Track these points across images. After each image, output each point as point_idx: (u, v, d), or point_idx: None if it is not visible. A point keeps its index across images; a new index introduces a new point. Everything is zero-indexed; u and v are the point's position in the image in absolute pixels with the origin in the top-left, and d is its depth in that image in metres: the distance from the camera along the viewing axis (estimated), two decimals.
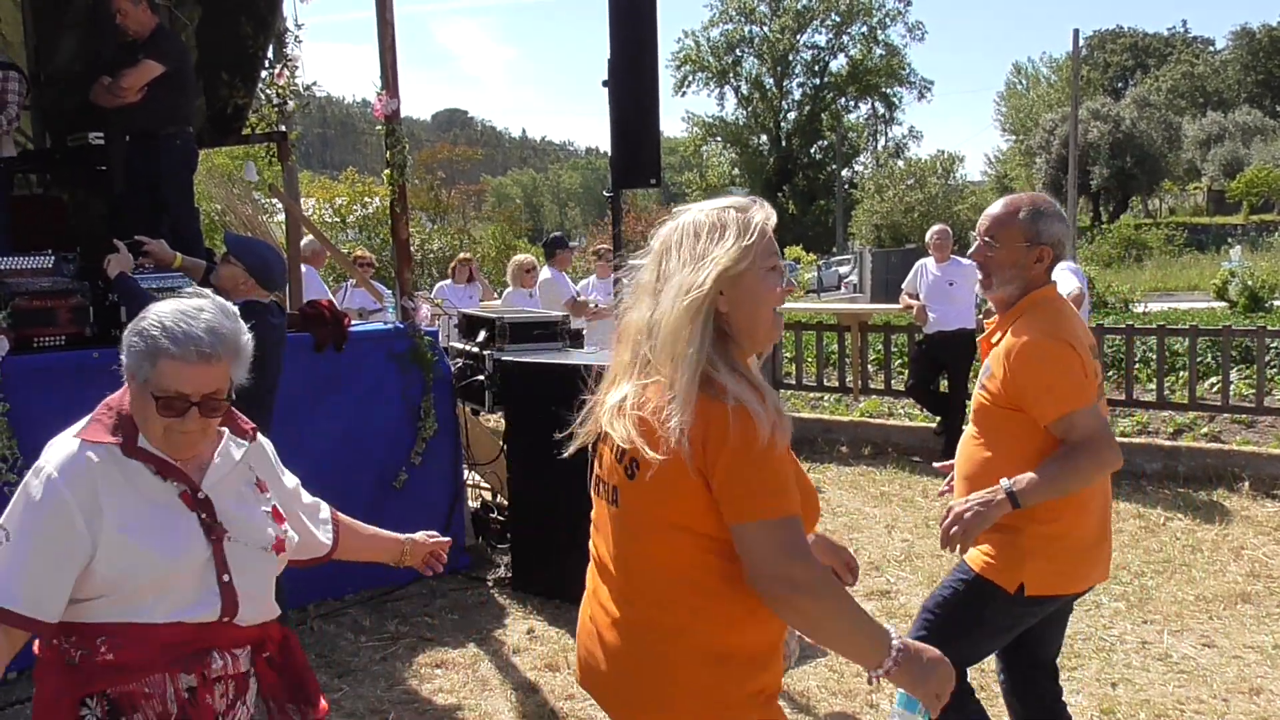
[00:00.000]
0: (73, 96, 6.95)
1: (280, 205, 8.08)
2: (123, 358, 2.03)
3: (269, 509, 2.23)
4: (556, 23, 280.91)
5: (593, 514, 2.20)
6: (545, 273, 9.26)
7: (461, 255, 11.28)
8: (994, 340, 2.91)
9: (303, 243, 7.97)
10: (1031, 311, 2.83)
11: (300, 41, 6.80)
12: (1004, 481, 2.69)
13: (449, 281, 10.32)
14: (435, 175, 29.51)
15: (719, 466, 1.84)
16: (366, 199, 22.59)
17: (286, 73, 6.82)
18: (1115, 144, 48.71)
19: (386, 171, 6.27)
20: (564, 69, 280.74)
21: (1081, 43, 41.70)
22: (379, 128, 6.16)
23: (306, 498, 2.51)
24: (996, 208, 2.92)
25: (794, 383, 10.03)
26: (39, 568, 1.95)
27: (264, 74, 7.06)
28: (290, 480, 2.44)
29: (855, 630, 1.88)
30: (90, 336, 4.78)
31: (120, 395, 2.09)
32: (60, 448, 2.02)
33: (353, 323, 5.95)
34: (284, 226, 7.47)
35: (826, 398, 10.28)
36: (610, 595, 2.07)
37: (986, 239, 2.86)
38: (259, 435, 2.29)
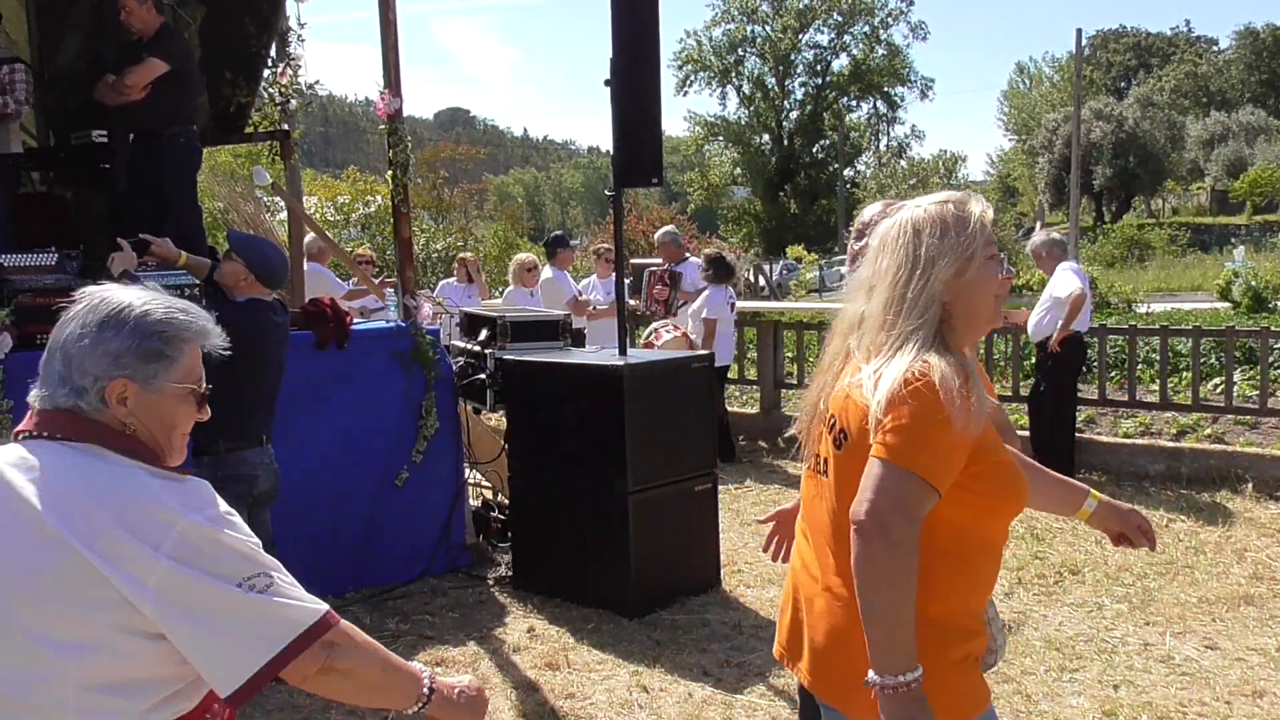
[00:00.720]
0: (76, 95, 6.96)
1: (283, 203, 8.08)
2: (119, 360, 1.72)
3: None
4: (558, 22, 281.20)
5: (802, 491, 2.28)
6: (547, 272, 9.26)
7: (462, 254, 11.28)
8: None
9: (306, 240, 7.98)
10: None
11: (303, 41, 6.82)
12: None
13: (452, 280, 10.32)
14: (438, 174, 29.49)
15: (889, 420, 1.91)
16: (369, 198, 22.59)
17: (289, 71, 6.83)
18: (1118, 144, 48.69)
19: (389, 170, 6.28)
20: (566, 68, 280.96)
21: (1084, 42, 41.72)
22: (381, 127, 6.16)
23: None
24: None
25: (795, 382, 10.02)
26: None
27: (267, 73, 7.08)
28: None
29: (879, 617, 1.90)
30: None
31: (58, 419, 1.74)
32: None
33: (354, 320, 5.96)
34: (286, 225, 7.47)
35: None
36: (819, 565, 2.14)
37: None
38: None
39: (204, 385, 1.81)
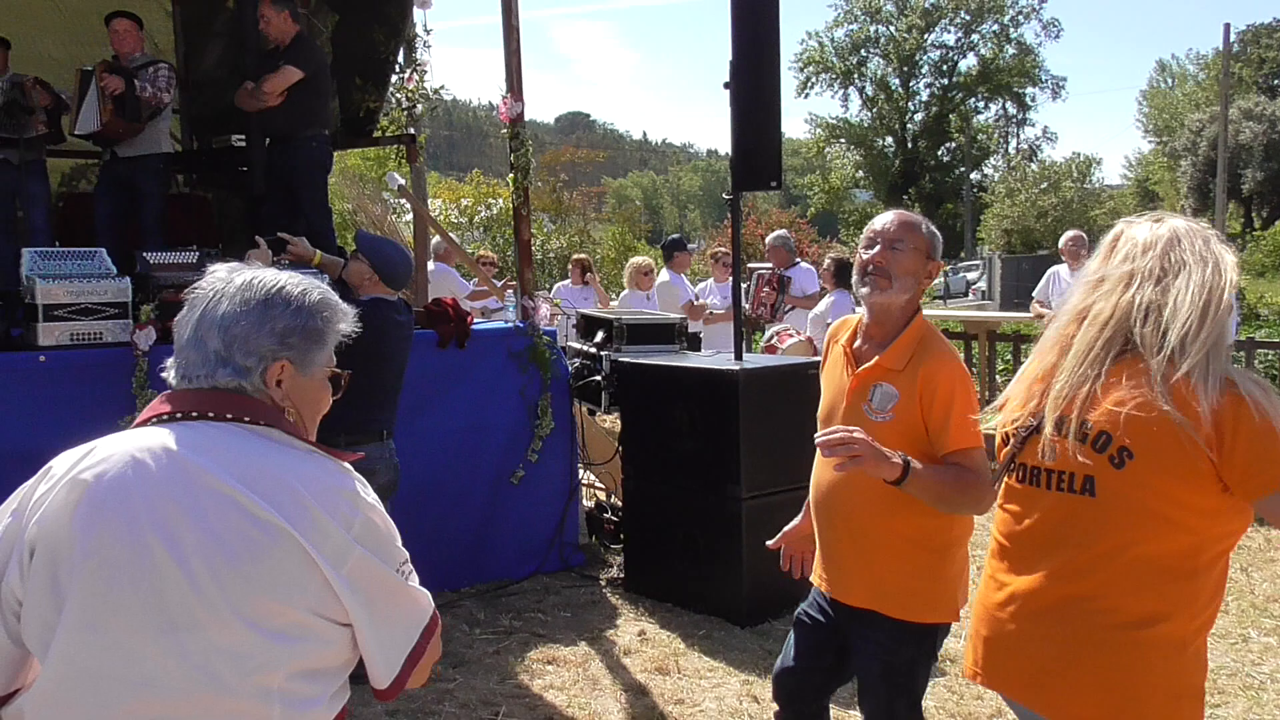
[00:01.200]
0: (217, 101, 7.27)
1: (408, 205, 8.28)
2: (285, 340, 1.68)
3: None
4: (678, 25, 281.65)
5: (1003, 502, 2.27)
6: (663, 275, 9.27)
7: (576, 255, 11.35)
8: (894, 367, 2.72)
9: (433, 242, 8.17)
10: (933, 336, 2.77)
11: (429, 47, 6.98)
12: (900, 455, 2.50)
13: (567, 282, 10.42)
14: (558, 177, 29.86)
15: (1239, 448, 1.92)
16: (491, 200, 23.02)
17: (416, 77, 6.99)
18: (1270, 145, 46.33)
19: (510, 174, 6.37)
20: (685, 71, 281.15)
21: (1233, 38, 39.86)
22: (504, 131, 6.26)
23: None
24: (892, 215, 2.81)
25: None
26: None
27: (395, 78, 7.26)
28: None
29: None
30: None
31: (210, 400, 1.68)
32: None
33: (475, 320, 6.07)
34: (411, 226, 7.65)
35: None
36: (1050, 582, 2.11)
37: (894, 242, 2.73)
38: None
39: (341, 370, 1.79)
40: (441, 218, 20.80)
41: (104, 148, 6.51)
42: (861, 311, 2.90)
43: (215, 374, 1.65)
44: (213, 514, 1.54)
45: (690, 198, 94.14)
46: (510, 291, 7.38)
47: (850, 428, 2.46)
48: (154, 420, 1.65)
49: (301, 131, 6.19)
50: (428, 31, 6.95)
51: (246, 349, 1.65)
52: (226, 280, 1.70)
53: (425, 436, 5.44)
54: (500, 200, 21.69)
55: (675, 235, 12.24)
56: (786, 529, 3.09)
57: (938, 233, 2.84)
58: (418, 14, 6.94)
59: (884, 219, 2.80)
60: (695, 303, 8.99)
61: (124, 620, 1.51)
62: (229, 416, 1.63)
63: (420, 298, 6.44)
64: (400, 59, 7.20)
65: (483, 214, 22.87)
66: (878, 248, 2.74)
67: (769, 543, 3.13)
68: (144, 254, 5.08)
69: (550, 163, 32.33)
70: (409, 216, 13.77)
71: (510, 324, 6.24)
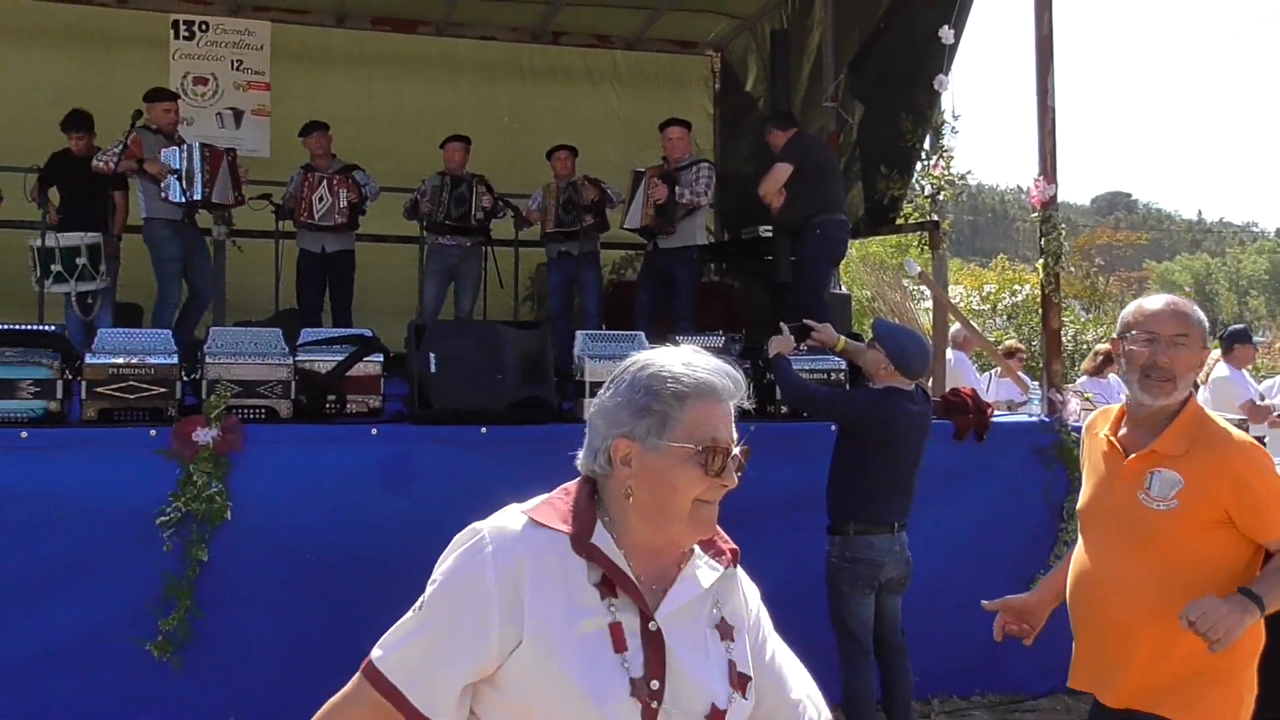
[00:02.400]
0: (746, 194, 7.71)
1: (928, 292, 8.15)
2: (617, 418, 1.64)
3: (727, 662, 1.69)
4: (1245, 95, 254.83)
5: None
6: (1221, 369, 8.22)
7: (1099, 346, 10.46)
8: (1172, 453, 2.57)
9: (952, 330, 7.97)
10: (1209, 419, 2.63)
11: (956, 132, 6.86)
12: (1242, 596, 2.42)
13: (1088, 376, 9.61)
14: (1092, 261, 28.11)
15: None
16: (1016, 286, 22.13)
17: (942, 163, 6.90)
18: None
19: (1040, 259, 6.03)
20: (1244, 142, 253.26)
21: None
22: (1034, 215, 5.95)
23: (786, 667, 1.81)
24: (1166, 304, 2.65)
25: None
26: (438, 657, 1.61)
27: (919, 165, 7.22)
28: (770, 635, 1.81)
29: None
30: (748, 410, 5.16)
31: (580, 482, 1.71)
32: (502, 520, 1.67)
33: (996, 413, 5.76)
34: (930, 313, 7.52)
35: None
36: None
37: (1175, 339, 2.59)
38: (738, 563, 1.78)
39: (723, 448, 1.64)
40: (962, 305, 20.37)
41: (647, 239, 7.15)
42: (1122, 400, 2.82)
43: (584, 456, 1.71)
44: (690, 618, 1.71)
45: (1253, 283, 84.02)
46: (1035, 383, 6.96)
47: (1201, 607, 2.37)
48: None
49: (805, 219, 6.52)
50: (955, 117, 6.86)
51: (595, 429, 1.68)
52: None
53: (938, 531, 5.21)
54: (1027, 287, 20.78)
55: (1237, 325, 10.87)
56: (1009, 598, 2.97)
57: (1204, 316, 2.70)
58: (945, 99, 6.88)
59: (1156, 310, 2.65)
60: (1259, 403, 7.88)
61: None
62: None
63: (938, 387, 6.27)
64: (926, 145, 7.17)
65: (1007, 301, 22.06)
66: (1156, 345, 2.59)
67: (985, 603, 3.00)
68: (676, 338, 5.43)
69: (1084, 246, 30.55)
70: (928, 303, 13.61)
71: (1035, 418, 5.85)
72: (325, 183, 7.24)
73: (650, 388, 1.64)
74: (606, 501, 1.68)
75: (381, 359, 4.86)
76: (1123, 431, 2.72)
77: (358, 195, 7.31)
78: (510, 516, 1.67)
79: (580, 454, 1.71)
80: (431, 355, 4.72)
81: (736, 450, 1.68)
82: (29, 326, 4.65)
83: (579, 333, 5.28)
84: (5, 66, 8.77)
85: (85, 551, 4.14)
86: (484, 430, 4.64)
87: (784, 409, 5.19)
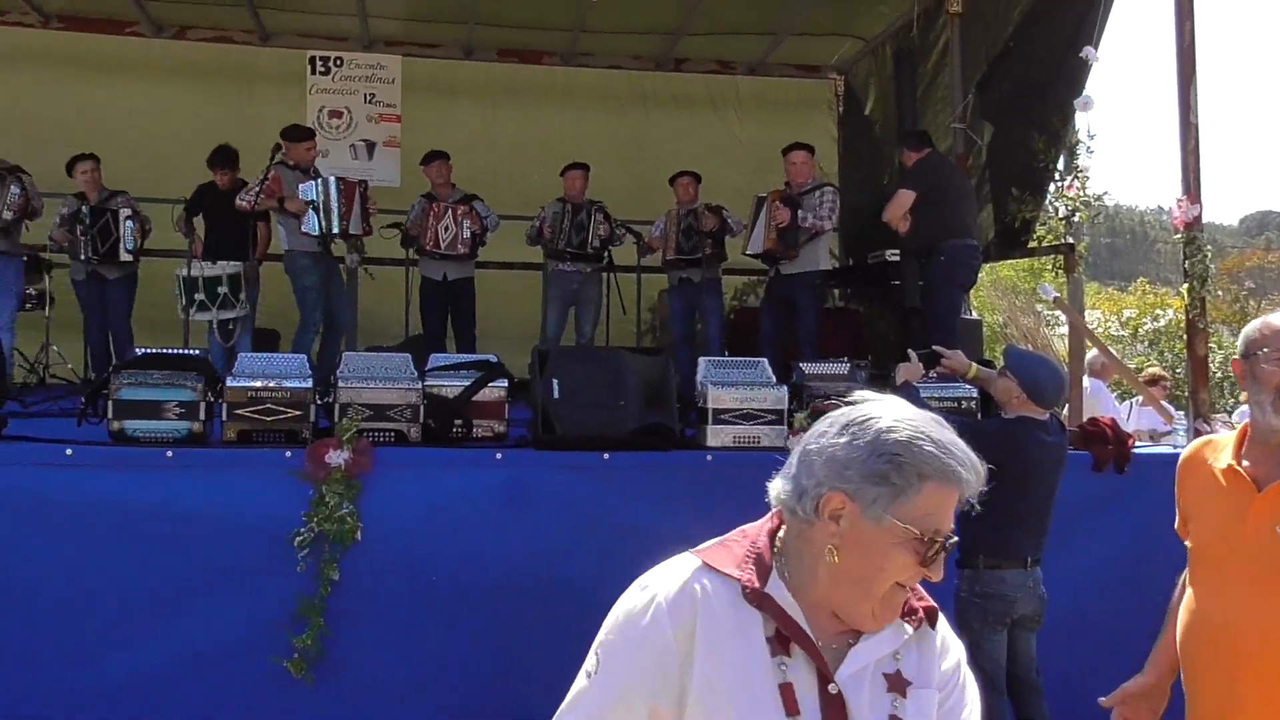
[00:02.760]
0: (870, 218, 7.60)
1: (1063, 318, 7.89)
2: (844, 471, 1.52)
3: (888, 718, 1.55)
4: None
5: None
6: None
7: (1149, 370, 9.96)
8: None
9: (1089, 356, 7.69)
10: None
11: (1091, 152, 6.64)
12: None
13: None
14: (1241, 285, 26.84)
15: None
16: (1159, 311, 21.28)
17: (1077, 184, 6.68)
18: None
19: (1184, 282, 5.77)
20: None
21: None
22: (1176, 236, 5.70)
23: None
24: None
25: None
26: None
27: (1052, 186, 7.01)
28: (969, 702, 1.64)
29: None
30: None
31: (760, 526, 1.64)
32: (672, 569, 1.59)
33: (1138, 444, 5.52)
34: (1066, 339, 7.27)
35: None
36: None
37: None
38: (934, 624, 1.62)
39: (944, 540, 1.51)
40: (1100, 330, 19.68)
41: (770, 265, 7.10)
42: (1235, 427, 2.62)
43: (783, 489, 1.59)
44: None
45: None
46: (1180, 413, 6.65)
47: None
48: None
49: (930, 245, 6.40)
50: (1090, 136, 6.63)
51: (808, 469, 1.54)
52: (847, 405, 1.62)
53: (1075, 567, 4.99)
54: (1170, 311, 19.97)
55: None
56: (1126, 686, 2.69)
57: None
58: (1080, 118, 6.66)
59: None
60: None
61: None
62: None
63: (1075, 416, 6.04)
64: (1060, 165, 6.95)
65: (1148, 326, 21.22)
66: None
67: (1102, 700, 2.71)
68: (800, 365, 5.36)
69: (1233, 269, 29.19)
70: (1063, 329, 13.18)
71: (1180, 449, 5.58)
72: (450, 213, 7.40)
73: (895, 457, 1.49)
74: (791, 549, 1.57)
75: (506, 384, 4.91)
76: (1246, 462, 2.46)
77: (480, 226, 7.46)
78: (681, 564, 1.58)
79: (777, 484, 1.60)
80: (555, 381, 4.75)
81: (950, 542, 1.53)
82: (175, 351, 4.84)
83: (701, 359, 5.26)
84: (156, 104, 9.28)
85: (224, 568, 4.27)
86: (606, 456, 4.65)
87: None
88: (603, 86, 10.12)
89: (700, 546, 1.61)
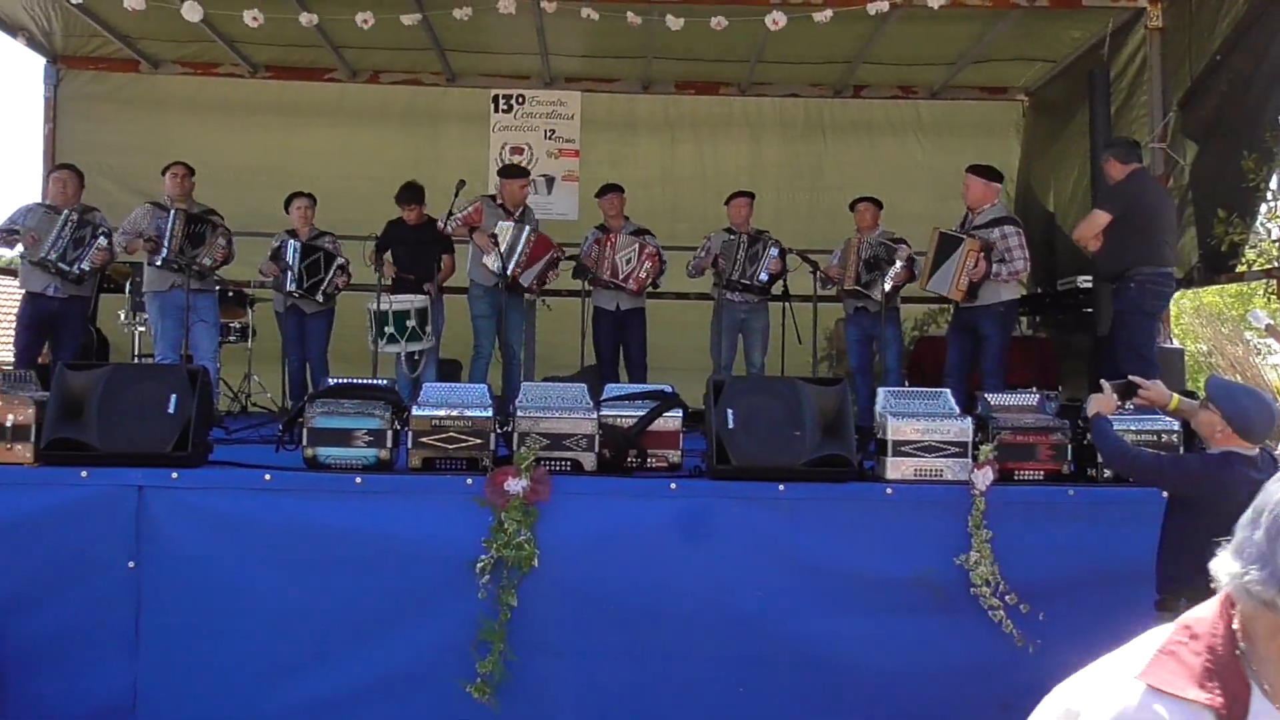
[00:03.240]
0: (1056, 244, 7.27)
1: (1276, 345, 7.35)
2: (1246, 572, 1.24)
3: None
4: None
5: None
6: None
7: None
8: None
9: None
10: None
11: None
12: None
13: None
14: None
15: None
16: None
17: None
18: None
19: None
20: None
21: None
22: None
23: None
24: None
25: None
26: None
27: (1264, 207, 6.56)
28: None
29: None
30: (1066, 474, 4.82)
31: (1209, 621, 1.30)
32: (1106, 692, 1.26)
33: None
34: (1279, 369, 6.77)
35: None
36: None
37: None
38: None
39: None
40: None
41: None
42: None
43: (1247, 576, 1.27)
44: None
45: None
46: None
47: None
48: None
49: (1121, 270, 6.07)
50: None
51: None
52: None
53: None
54: None
55: None
56: None
57: None
58: None
59: None
60: None
61: None
62: None
63: None
64: (1272, 185, 6.49)
65: None
66: None
67: None
68: (984, 395, 5.17)
69: None
70: (1277, 358, 12.29)
71: None
72: (631, 247, 7.48)
73: None
74: (1266, 651, 1.24)
75: (681, 414, 4.91)
76: None
77: (660, 270, 7.52)
78: (1115, 686, 1.25)
79: (1231, 564, 1.30)
80: (730, 411, 4.72)
81: None
82: (364, 381, 5.05)
83: (881, 389, 5.13)
84: (350, 145, 9.80)
85: (410, 592, 4.40)
86: (782, 488, 4.58)
87: (1105, 473, 4.80)
88: (780, 114, 10.07)
89: (1130, 657, 1.27)
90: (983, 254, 6.38)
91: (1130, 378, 4.63)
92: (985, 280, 6.42)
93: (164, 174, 7.36)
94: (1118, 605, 4.34)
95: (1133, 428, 4.71)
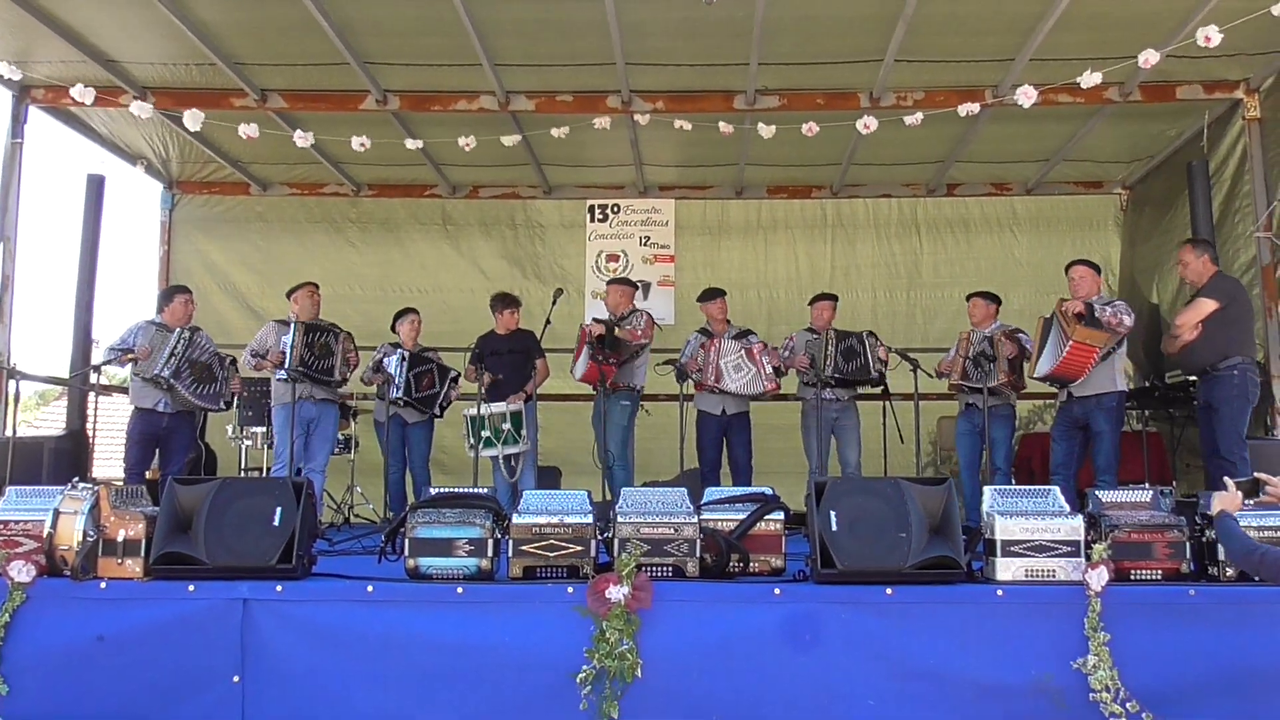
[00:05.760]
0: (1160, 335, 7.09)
1: None
2: None
3: None
4: None
5: None
6: None
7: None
8: None
9: None
10: None
11: None
12: None
13: None
14: None
15: None
16: None
17: None
18: None
19: None
20: None
21: None
22: None
23: None
24: None
25: None
26: None
27: None
28: None
29: None
30: (1185, 573, 4.61)
31: None
32: None
33: None
34: None
35: None
36: None
37: None
38: None
39: None
40: None
41: (1060, 388, 6.70)
42: None
43: None
44: None
45: None
46: None
47: None
48: None
49: (1220, 360, 6.14)
50: None
51: None
52: None
53: None
54: None
55: None
56: None
57: None
58: None
59: None
60: None
61: None
62: None
63: None
64: None
65: None
66: None
67: None
68: (1095, 492, 5.01)
69: None
70: None
71: None
72: (738, 352, 7.48)
73: None
74: None
75: (782, 517, 4.85)
76: None
77: (779, 361, 7.52)
78: None
79: None
80: (832, 513, 4.64)
81: None
82: (465, 489, 5.10)
83: (987, 488, 5.00)
84: (451, 259, 10.11)
85: (510, 704, 4.35)
86: (889, 591, 4.46)
87: (1229, 571, 4.58)
88: (873, 215, 10.11)
89: None
90: (1085, 320, 6.35)
91: (1256, 474, 4.45)
92: (1091, 319, 6.33)
93: (289, 296, 7.70)
94: (1249, 712, 4.11)
95: (1254, 524, 4.50)
